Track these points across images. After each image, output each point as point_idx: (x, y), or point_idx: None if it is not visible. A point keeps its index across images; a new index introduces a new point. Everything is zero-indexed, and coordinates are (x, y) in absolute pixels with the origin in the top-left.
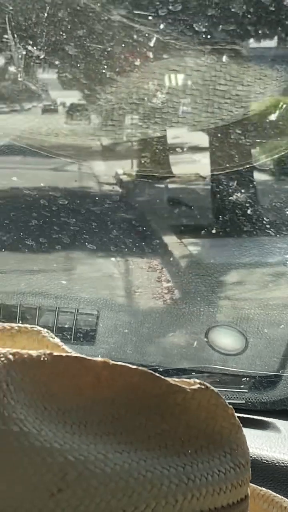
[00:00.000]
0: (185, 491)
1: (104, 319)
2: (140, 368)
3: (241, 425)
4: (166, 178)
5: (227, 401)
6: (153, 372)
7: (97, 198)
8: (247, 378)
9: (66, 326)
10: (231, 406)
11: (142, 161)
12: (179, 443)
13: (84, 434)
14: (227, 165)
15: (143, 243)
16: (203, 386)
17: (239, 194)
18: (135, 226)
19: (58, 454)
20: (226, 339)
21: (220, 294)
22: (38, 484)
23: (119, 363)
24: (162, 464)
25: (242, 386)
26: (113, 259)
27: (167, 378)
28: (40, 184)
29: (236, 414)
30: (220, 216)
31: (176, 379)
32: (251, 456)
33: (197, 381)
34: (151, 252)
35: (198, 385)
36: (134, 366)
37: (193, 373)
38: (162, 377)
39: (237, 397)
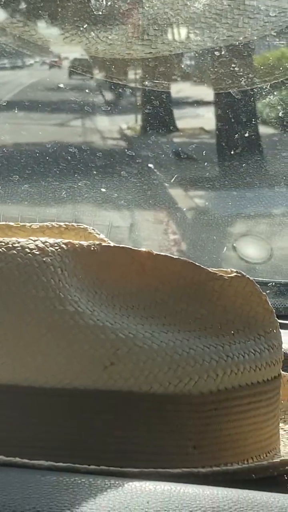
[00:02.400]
0: (224, 367)
1: None
2: (182, 258)
3: (273, 310)
4: (171, 132)
5: None
6: (193, 262)
7: (101, 152)
8: (272, 285)
9: None
10: (264, 293)
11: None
12: (217, 326)
13: (132, 316)
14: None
15: (149, 196)
16: (239, 274)
17: (243, 146)
18: (140, 179)
19: (110, 332)
20: (251, 249)
21: (227, 244)
22: (93, 358)
23: (162, 253)
24: (203, 343)
25: (268, 292)
26: (119, 211)
27: (206, 267)
28: (45, 139)
29: None
30: (225, 168)
31: (215, 269)
32: None
33: (234, 270)
34: (157, 204)
35: (235, 273)
36: (176, 256)
37: None
38: (202, 266)
39: None
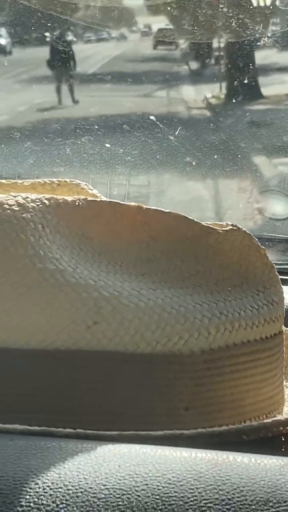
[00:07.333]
0: (218, 325)
1: None
2: (174, 211)
3: (274, 265)
4: (256, 100)
5: (276, 266)
6: (186, 215)
7: (186, 122)
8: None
9: None
10: (263, 247)
11: None
12: (213, 282)
13: (119, 273)
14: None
15: (233, 165)
16: (235, 227)
17: None
18: (225, 148)
19: (93, 290)
20: (274, 205)
21: None
22: (75, 317)
23: (153, 207)
24: (195, 300)
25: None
26: (202, 181)
27: (200, 221)
28: (130, 110)
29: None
30: None
31: (209, 222)
32: None
33: (229, 223)
34: (241, 173)
35: (230, 227)
36: (167, 210)
37: None
38: (195, 220)
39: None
